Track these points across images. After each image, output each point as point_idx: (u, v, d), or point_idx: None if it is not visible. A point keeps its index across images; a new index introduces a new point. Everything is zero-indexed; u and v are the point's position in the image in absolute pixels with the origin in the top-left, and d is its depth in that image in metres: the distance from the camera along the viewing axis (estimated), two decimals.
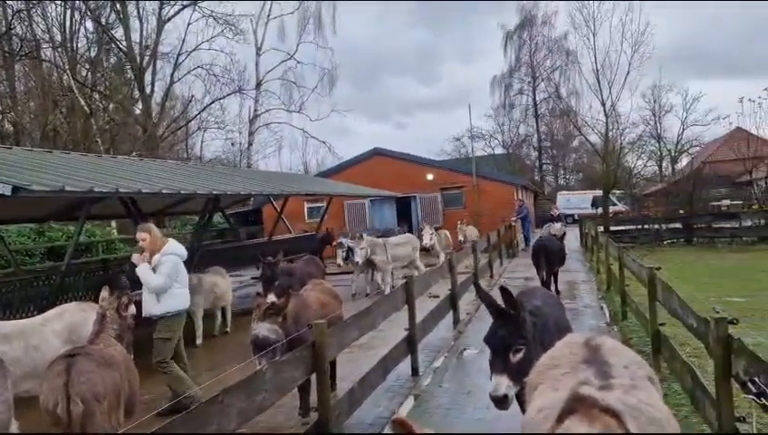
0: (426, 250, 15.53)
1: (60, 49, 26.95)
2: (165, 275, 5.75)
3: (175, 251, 6.00)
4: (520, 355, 3.35)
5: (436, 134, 71.71)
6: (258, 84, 35.56)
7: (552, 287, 11.11)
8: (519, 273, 15.08)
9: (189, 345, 8.66)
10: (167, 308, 5.77)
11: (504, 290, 3.57)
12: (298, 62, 36.37)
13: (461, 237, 18.50)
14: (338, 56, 41.57)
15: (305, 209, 23.93)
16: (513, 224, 20.46)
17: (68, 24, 28.23)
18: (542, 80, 46.18)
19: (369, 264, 12.94)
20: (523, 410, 3.68)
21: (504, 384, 3.27)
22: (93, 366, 3.48)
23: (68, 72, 25.30)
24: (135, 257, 5.95)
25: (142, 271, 5.77)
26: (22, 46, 26.00)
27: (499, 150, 47.88)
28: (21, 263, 12.42)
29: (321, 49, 37.45)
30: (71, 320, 5.22)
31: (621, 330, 8.44)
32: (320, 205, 22.52)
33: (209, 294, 9.49)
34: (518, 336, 3.37)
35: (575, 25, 25.55)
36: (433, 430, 1.46)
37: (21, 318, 7.51)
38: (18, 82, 28.59)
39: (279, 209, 16.75)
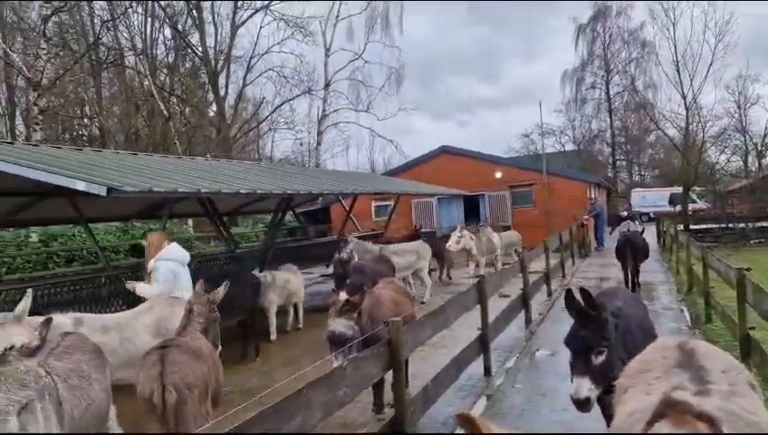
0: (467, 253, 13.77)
1: (141, 56, 28.35)
2: (160, 283, 5.94)
3: (171, 256, 6.11)
4: (602, 357, 3.28)
5: (499, 132, 70.61)
6: (327, 84, 36.14)
7: (633, 282, 11.23)
8: (592, 273, 14.66)
9: (264, 341, 8.97)
10: None
11: (583, 291, 3.50)
12: (366, 62, 36.75)
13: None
14: (392, 56, 41.44)
15: (372, 208, 24.13)
16: (584, 223, 19.88)
17: (148, 32, 29.72)
18: (617, 73, 44.64)
19: None
20: (605, 414, 3.61)
21: (585, 386, 3.21)
22: (184, 357, 3.68)
23: (149, 77, 26.57)
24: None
25: (140, 291, 6.01)
26: (108, 55, 27.54)
27: (570, 147, 46.66)
28: (107, 259, 13.16)
29: (388, 48, 37.65)
30: (160, 314, 5.51)
31: (705, 333, 8.06)
32: (387, 203, 22.66)
33: (282, 290, 9.74)
34: (600, 338, 3.29)
35: (653, 16, 24.52)
36: (507, 430, 1.44)
37: (108, 312, 7.98)
38: (104, 88, 30.32)
39: (348, 208, 16.99)
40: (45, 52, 20.52)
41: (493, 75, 73.40)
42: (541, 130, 35.02)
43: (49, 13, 21.41)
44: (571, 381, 3.31)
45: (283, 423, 2.90)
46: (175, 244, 6.33)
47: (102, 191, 5.65)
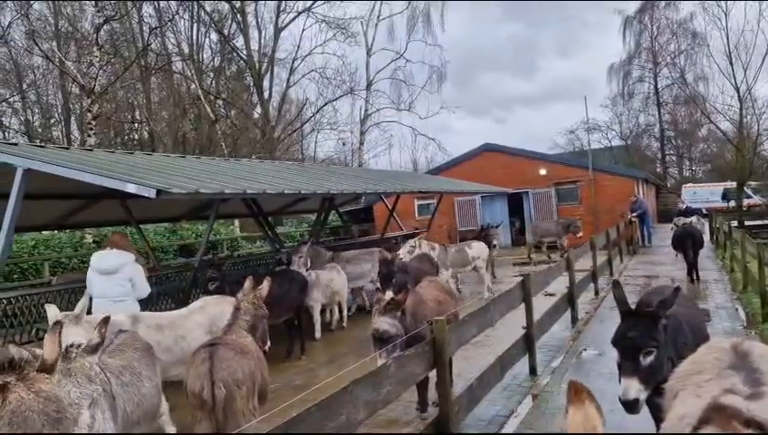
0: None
1: (188, 61, 29.08)
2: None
3: (91, 264, 6.18)
4: (651, 358, 3.20)
5: (538, 128, 69.49)
6: (369, 84, 36.29)
7: (692, 274, 12.10)
8: (641, 271, 14.29)
9: (308, 339, 9.09)
10: None
11: (616, 284, 3.43)
12: (407, 61, 36.73)
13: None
14: (434, 54, 41.09)
15: (415, 206, 24.12)
16: (632, 220, 19.36)
17: (195, 37, 30.49)
18: (665, 65, 43.26)
19: None
20: (654, 416, 3.53)
21: (634, 388, 3.14)
22: (232, 354, 3.77)
23: (195, 81, 27.24)
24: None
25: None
26: (157, 61, 28.37)
27: (616, 142, 45.50)
28: (157, 259, 13.60)
29: (429, 47, 37.52)
30: (210, 312, 5.68)
31: (762, 334, 7.76)
32: (430, 202, 22.60)
33: (326, 289, 9.85)
34: (649, 338, 3.21)
35: (704, 6, 23.68)
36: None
37: (158, 310, 8.23)
38: (153, 93, 31.23)
39: (390, 207, 17.03)
40: (98, 59, 21.26)
41: (530, 72, 72.51)
42: (586, 126, 34.30)
43: (101, 21, 22.19)
44: (619, 381, 3.24)
45: (329, 420, 2.94)
46: (98, 252, 6.33)
47: (152, 193, 5.83)
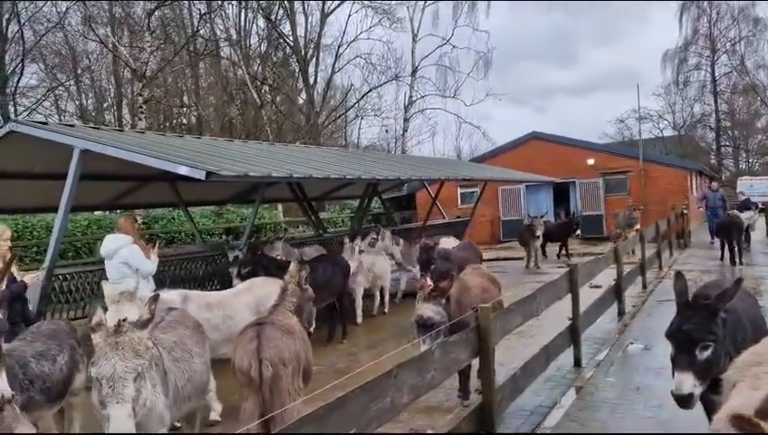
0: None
1: (235, 47, 29.45)
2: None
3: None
4: (708, 352, 3.09)
5: (578, 118, 67.82)
6: (414, 71, 36.05)
7: (734, 259, 13.35)
8: (692, 265, 13.84)
9: (349, 324, 9.16)
10: None
11: (678, 275, 3.32)
12: (453, 47, 36.28)
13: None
14: (480, 41, 40.34)
15: (458, 195, 23.93)
16: (684, 212, 18.63)
17: (242, 23, 30.83)
18: (724, 52, 41.56)
19: None
20: (708, 413, 3.42)
21: (689, 382, 3.04)
22: (279, 334, 3.83)
23: (242, 67, 27.56)
24: None
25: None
26: (206, 46, 28.84)
27: (669, 132, 44.08)
28: (203, 241, 13.90)
29: (475, 32, 36.95)
30: (257, 293, 5.79)
31: None
32: (473, 190, 22.39)
33: (368, 274, 9.90)
34: (707, 332, 3.09)
35: None
36: None
37: (205, 291, 8.43)
38: (201, 78, 31.80)
39: (433, 194, 16.94)
40: (149, 44, 21.76)
41: (570, 61, 71.04)
42: (638, 115, 33.26)
43: (153, 7, 22.67)
44: (673, 376, 3.14)
45: (373, 403, 2.95)
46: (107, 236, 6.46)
47: (202, 175, 5.93)
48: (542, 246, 16.16)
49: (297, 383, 3.84)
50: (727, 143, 45.96)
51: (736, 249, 13.41)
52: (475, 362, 4.62)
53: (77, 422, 4.57)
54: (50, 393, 4.03)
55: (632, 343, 7.48)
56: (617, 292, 8.81)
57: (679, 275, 3.35)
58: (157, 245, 6.85)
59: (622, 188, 22.08)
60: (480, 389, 4.55)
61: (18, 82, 26.71)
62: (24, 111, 26.81)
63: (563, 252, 16.55)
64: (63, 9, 25.77)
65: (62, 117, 28.94)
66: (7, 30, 25.42)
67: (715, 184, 19.26)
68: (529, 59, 70.44)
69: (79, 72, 29.60)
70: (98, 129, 9.32)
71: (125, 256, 6.05)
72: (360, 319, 9.62)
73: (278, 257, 9.17)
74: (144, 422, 3.23)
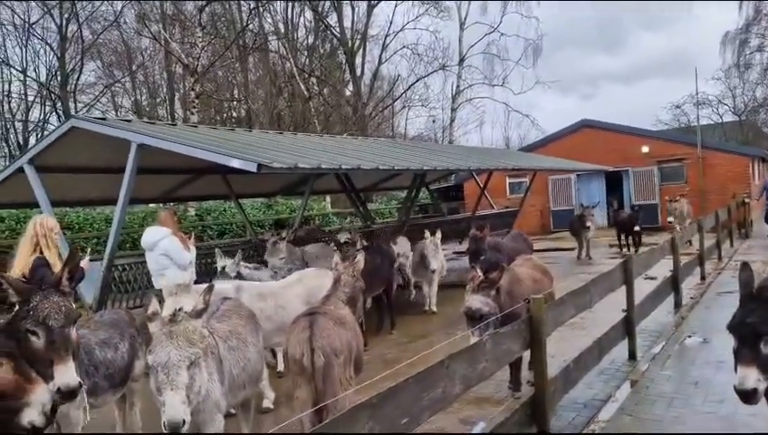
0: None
1: (283, 40, 29.78)
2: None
3: None
4: None
5: (626, 104, 65.45)
6: (461, 60, 35.63)
7: None
8: (754, 256, 13.26)
9: (398, 314, 9.19)
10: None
11: (744, 266, 3.18)
12: (501, 35, 35.64)
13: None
14: (529, 27, 39.17)
15: (507, 185, 23.58)
16: (746, 200, 17.84)
17: (290, 16, 31.13)
18: None
19: None
20: None
21: (752, 377, 2.93)
22: (331, 324, 3.88)
23: (290, 60, 27.86)
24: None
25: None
26: (255, 40, 29.27)
27: (728, 118, 42.23)
28: (254, 232, 14.17)
29: (524, 19, 36.18)
30: (309, 284, 5.89)
31: None
32: (522, 180, 22.04)
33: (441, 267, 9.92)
34: None
35: None
36: None
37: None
38: (250, 72, 32.30)
39: (482, 185, 16.77)
40: (200, 40, 22.25)
41: (616, 46, 68.81)
42: (696, 100, 31.97)
43: (204, 4, 23.14)
44: (735, 370, 3.03)
45: (425, 392, 2.96)
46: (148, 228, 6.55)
47: (253, 168, 6.04)
48: (635, 236, 15.02)
49: (349, 373, 3.89)
50: None
51: None
52: (527, 354, 4.58)
53: (137, 407, 4.77)
54: (113, 380, 4.21)
55: (690, 336, 7.25)
56: (674, 283, 8.54)
57: (745, 266, 3.22)
58: (193, 236, 6.99)
59: (679, 177, 21.31)
60: (532, 381, 4.50)
61: (78, 79, 27.82)
62: (83, 107, 27.91)
63: (628, 242, 15.32)
64: (119, 8, 26.60)
65: (119, 112, 29.99)
66: (67, 30, 26.42)
67: None
68: (574, 45, 68.76)
69: (133, 68, 30.55)
70: (153, 123, 9.61)
71: (165, 248, 6.17)
72: (435, 307, 9.79)
73: (282, 260, 8.83)
74: (201, 409, 3.33)
